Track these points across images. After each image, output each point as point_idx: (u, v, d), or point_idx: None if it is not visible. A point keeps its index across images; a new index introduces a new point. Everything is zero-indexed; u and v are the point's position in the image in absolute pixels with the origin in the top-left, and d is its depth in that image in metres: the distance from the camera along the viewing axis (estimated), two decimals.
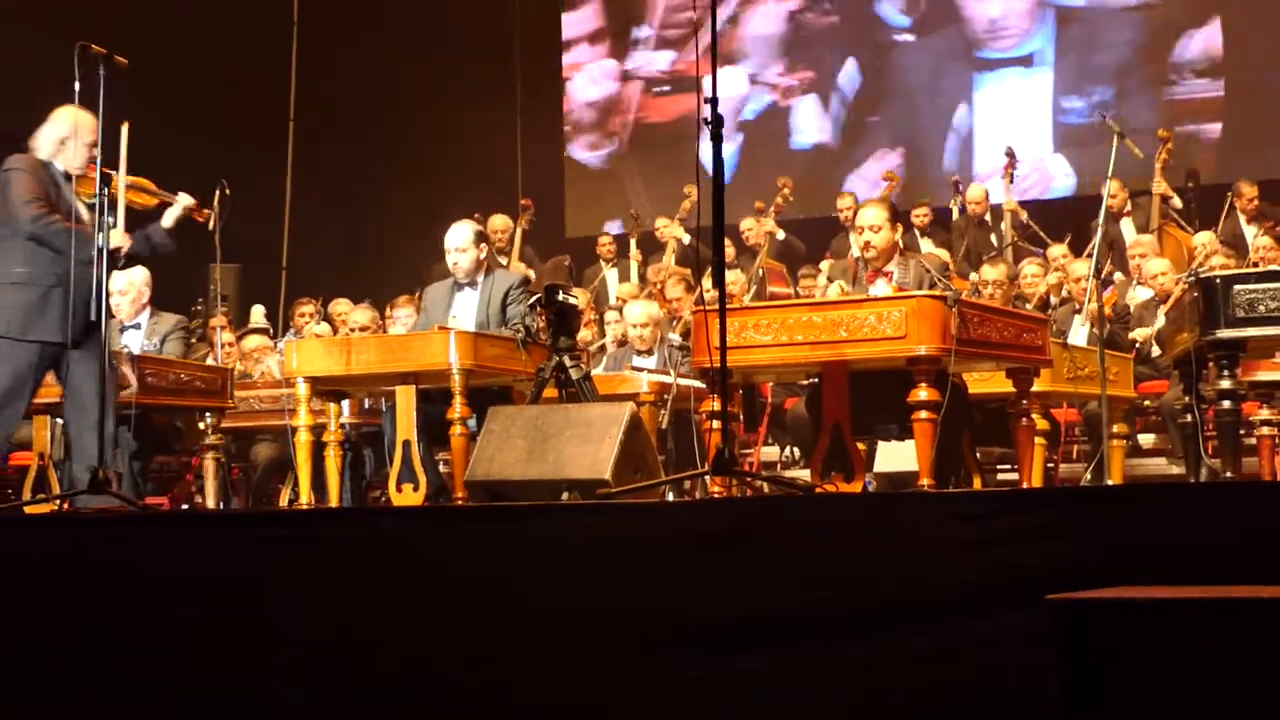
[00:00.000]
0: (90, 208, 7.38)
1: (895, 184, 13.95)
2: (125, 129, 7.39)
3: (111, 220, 7.29)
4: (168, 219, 7.76)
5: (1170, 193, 12.39)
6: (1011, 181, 13.53)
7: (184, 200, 7.81)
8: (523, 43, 17.03)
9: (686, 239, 13.49)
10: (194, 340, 10.55)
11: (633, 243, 14.49)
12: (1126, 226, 12.17)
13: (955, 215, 13.98)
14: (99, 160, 7.15)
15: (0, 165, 7.31)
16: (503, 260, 12.86)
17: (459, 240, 8.53)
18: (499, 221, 13.55)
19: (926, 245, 12.82)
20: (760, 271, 13.10)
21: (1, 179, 7.28)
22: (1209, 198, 12.83)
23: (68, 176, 7.44)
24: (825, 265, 12.37)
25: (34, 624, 4.78)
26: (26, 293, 7.28)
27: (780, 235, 13.72)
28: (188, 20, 13.73)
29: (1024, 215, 13.28)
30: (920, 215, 13.55)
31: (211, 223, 8.30)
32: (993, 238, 13.32)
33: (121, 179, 7.40)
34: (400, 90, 15.93)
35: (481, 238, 8.67)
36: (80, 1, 12.11)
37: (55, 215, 7.31)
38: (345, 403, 8.68)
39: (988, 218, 13.50)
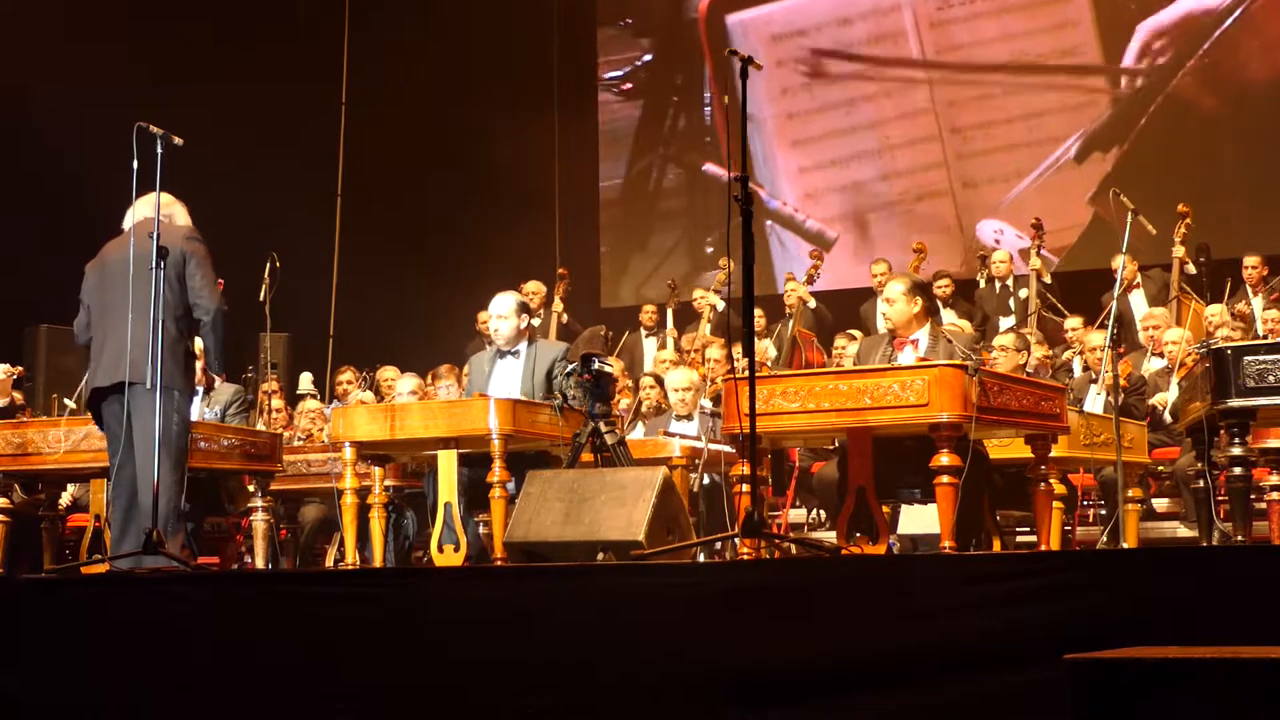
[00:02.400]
0: None
1: (924, 254, 13.94)
2: None
3: None
4: None
5: (1187, 259, 12.41)
6: (1039, 252, 13.51)
7: None
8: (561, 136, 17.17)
9: (721, 305, 13.50)
10: (249, 409, 10.61)
11: (670, 313, 14.45)
12: (1137, 299, 12.17)
13: (982, 285, 13.95)
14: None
15: (184, 235, 7.27)
16: (535, 321, 12.88)
17: (501, 308, 8.58)
18: (532, 285, 13.62)
19: (948, 315, 12.81)
20: (792, 339, 13.09)
21: (197, 249, 7.27)
22: (1221, 272, 12.84)
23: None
24: (859, 334, 12.32)
25: (90, 678, 4.80)
26: (178, 347, 7.27)
27: (812, 304, 13.69)
28: (240, 97, 13.85)
29: (1047, 276, 13.28)
30: (942, 286, 13.55)
31: (263, 294, 8.35)
32: (1011, 303, 13.32)
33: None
34: (445, 167, 16.04)
35: (524, 308, 8.72)
36: (135, 81, 12.26)
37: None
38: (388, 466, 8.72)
39: (1009, 283, 13.48)
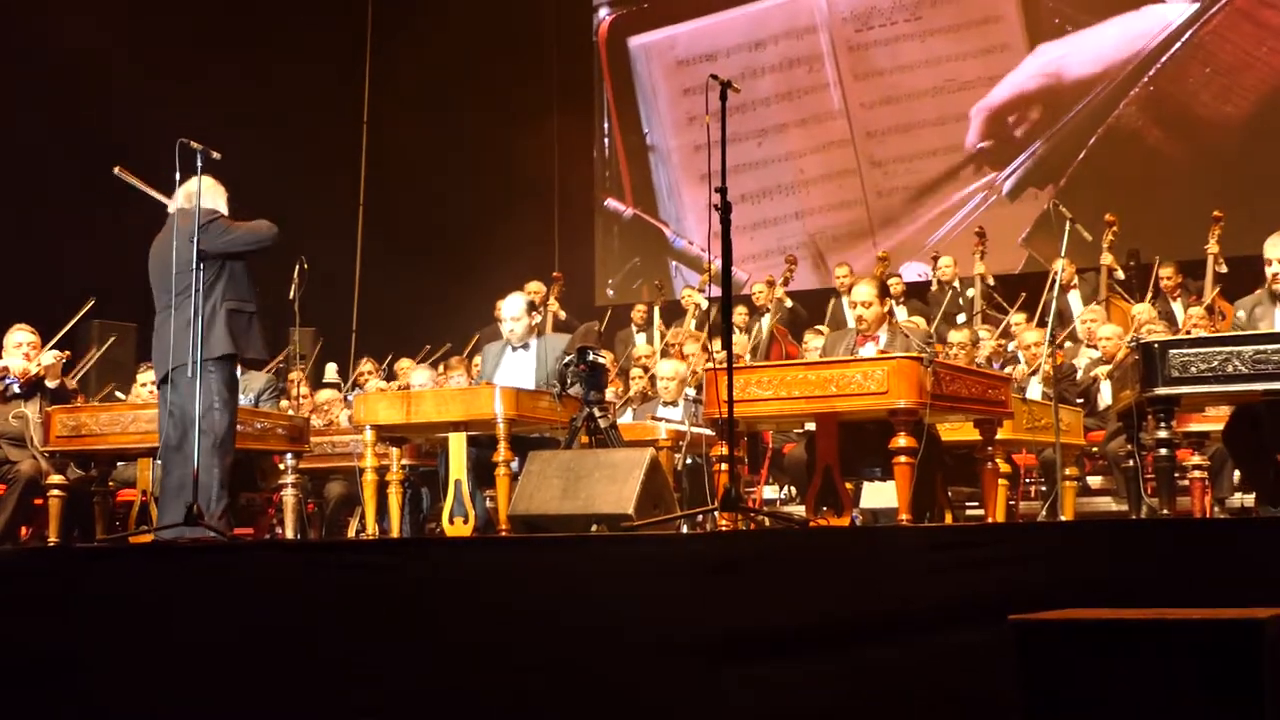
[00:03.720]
0: None
1: (888, 262, 13.88)
2: None
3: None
4: None
5: (1115, 265, 12.43)
6: (982, 257, 13.45)
7: None
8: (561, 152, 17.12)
9: (705, 304, 13.45)
10: (276, 395, 10.58)
11: (656, 310, 14.40)
12: (1073, 298, 12.17)
13: (934, 286, 13.89)
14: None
15: (198, 215, 7.14)
16: (536, 318, 12.84)
17: (514, 310, 8.64)
18: (534, 285, 13.64)
19: (901, 311, 12.81)
20: (770, 334, 13.08)
21: (219, 224, 7.19)
22: (1148, 275, 12.85)
23: None
24: (825, 330, 12.29)
25: (136, 637, 4.78)
26: (240, 318, 7.25)
27: (788, 303, 13.67)
28: (276, 121, 13.81)
29: (990, 279, 13.26)
30: (894, 284, 13.48)
31: (292, 293, 8.32)
32: (960, 301, 13.31)
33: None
34: (455, 182, 16.03)
35: (532, 307, 8.78)
36: (176, 101, 12.21)
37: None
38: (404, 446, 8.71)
39: (956, 284, 13.45)
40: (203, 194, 7.31)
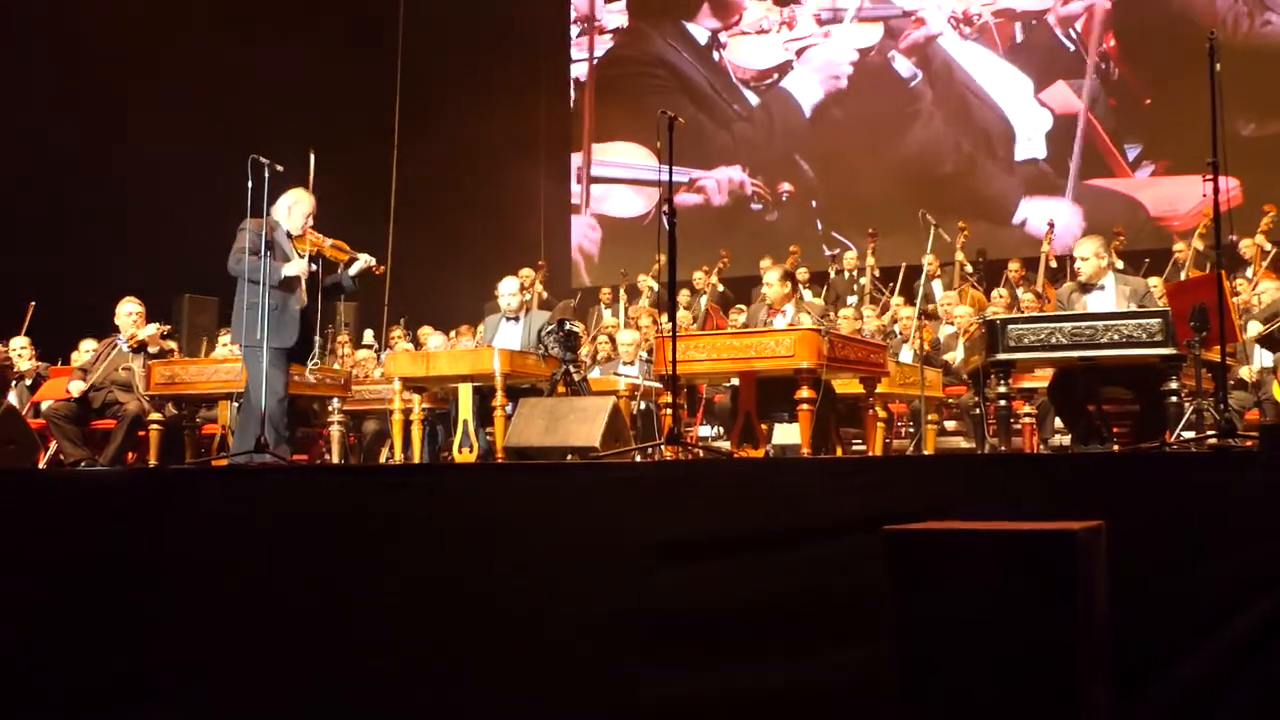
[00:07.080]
0: (309, 260, 7.27)
1: (799, 254, 13.90)
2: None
3: (300, 260, 7.23)
4: (354, 269, 7.53)
5: (966, 261, 12.51)
6: (872, 252, 13.48)
7: (366, 259, 7.57)
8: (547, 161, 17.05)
9: (656, 287, 13.47)
10: (326, 354, 10.55)
11: (622, 290, 14.42)
12: (937, 285, 12.23)
13: (832, 275, 13.93)
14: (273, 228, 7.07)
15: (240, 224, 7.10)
16: (528, 297, 12.85)
17: (510, 288, 8.72)
18: (525, 271, 13.67)
19: (808, 293, 12.87)
20: (706, 310, 13.15)
21: (238, 238, 7.10)
22: (994, 269, 12.94)
23: (289, 234, 7.34)
24: (746, 309, 12.32)
25: (217, 539, 4.76)
26: (255, 312, 7.09)
27: (720, 288, 13.75)
28: (323, 136, 13.64)
29: (876, 272, 13.32)
30: (801, 274, 13.50)
31: (352, 273, 8.25)
32: (854, 286, 13.37)
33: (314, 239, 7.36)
34: (466, 189, 15.94)
35: (522, 287, 8.83)
36: (245, 123, 12.05)
37: (249, 257, 7.04)
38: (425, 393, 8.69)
39: (853, 273, 13.54)
40: (277, 208, 7.27)
